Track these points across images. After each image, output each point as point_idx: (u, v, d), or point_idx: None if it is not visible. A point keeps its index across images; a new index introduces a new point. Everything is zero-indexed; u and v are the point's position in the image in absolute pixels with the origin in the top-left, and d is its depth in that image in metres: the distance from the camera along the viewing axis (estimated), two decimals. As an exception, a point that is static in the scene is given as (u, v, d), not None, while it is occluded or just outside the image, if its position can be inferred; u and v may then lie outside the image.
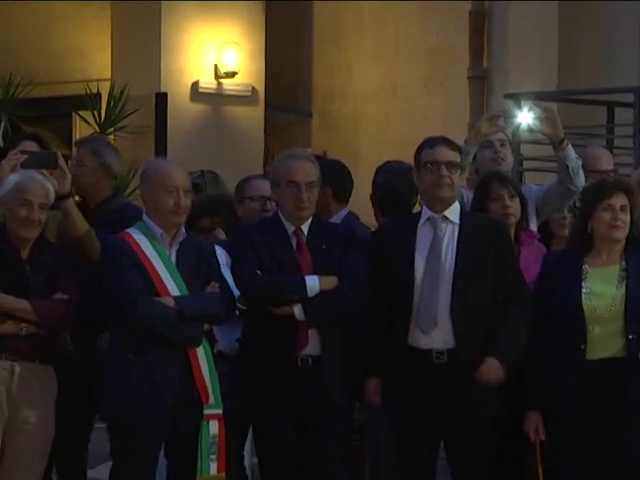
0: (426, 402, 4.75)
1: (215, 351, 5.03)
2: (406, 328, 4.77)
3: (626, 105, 9.51)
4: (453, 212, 4.87)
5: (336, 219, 5.72)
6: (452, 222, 4.88)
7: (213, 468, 4.73)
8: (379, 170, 5.83)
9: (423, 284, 4.78)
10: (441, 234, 4.83)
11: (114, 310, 4.88)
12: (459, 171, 4.95)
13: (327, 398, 4.86)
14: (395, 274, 4.90)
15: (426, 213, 4.87)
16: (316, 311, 4.88)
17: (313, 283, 4.89)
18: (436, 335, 4.77)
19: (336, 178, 5.98)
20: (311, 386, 4.83)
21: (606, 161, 6.57)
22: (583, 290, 4.68)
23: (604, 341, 4.67)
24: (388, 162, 5.93)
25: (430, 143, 4.98)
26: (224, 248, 5.26)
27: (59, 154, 5.38)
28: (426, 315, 4.78)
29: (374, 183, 5.82)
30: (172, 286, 4.80)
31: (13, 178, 5.01)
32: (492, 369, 4.69)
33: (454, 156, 4.91)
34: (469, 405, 4.75)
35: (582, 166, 5.98)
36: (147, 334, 4.70)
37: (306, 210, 5.04)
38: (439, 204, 4.83)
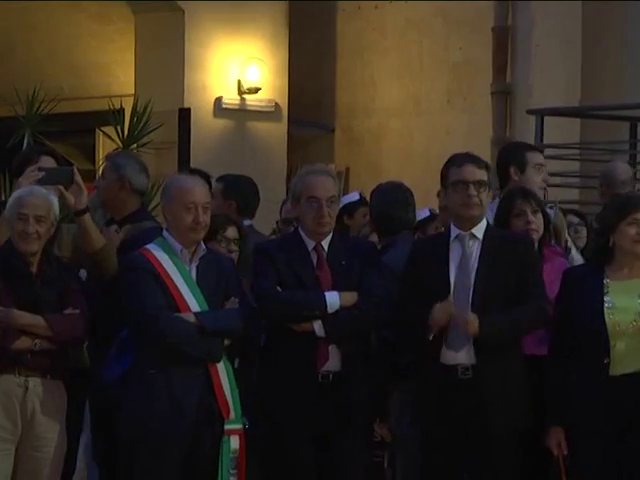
0: (455, 417, 4.80)
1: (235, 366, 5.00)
2: (439, 344, 4.82)
3: None
4: (480, 229, 4.91)
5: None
6: (478, 239, 4.94)
7: (228, 483, 4.79)
8: (372, 193, 5.88)
9: (455, 302, 4.86)
10: (469, 252, 4.90)
11: (135, 327, 4.93)
12: (487, 189, 4.94)
13: (348, 414, 4.89)
14: (432, 291, 4.92)
15: (454, 231, 4.91)
16: (336, 327, 4.90)
17: (333, 299, 4.90)
18: (462, 351, 4.86)
19: (241, 193, 6.44)
20: (332, 402, 4.86)
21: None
22: (605, 305, 4.68)
23: (628, 356, 4.68)
24: (380, 185, 6.03)
25: (458, 161, 5.01)
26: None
27: (75, 170, 5.45)
28: (456, 332, 4.87)
29: (370, 207, 5.94)
30: (192, 302, 4.83)
31: (14, 195, 5.10)
32: (468, 322, 4.78)
33: (482, 175, 4.94)
34: (496, 419, 4.80)
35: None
36: (168, 350, 4.74)
37: (326, 226, 5.04)
38: (468, 223, 4.88)
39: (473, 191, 4.84)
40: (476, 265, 4.89)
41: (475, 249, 4.92)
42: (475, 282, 4.84)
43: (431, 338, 4.91)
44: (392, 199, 5.82)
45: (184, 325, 4.74)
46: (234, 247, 5.40)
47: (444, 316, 4.78)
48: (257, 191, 6.97)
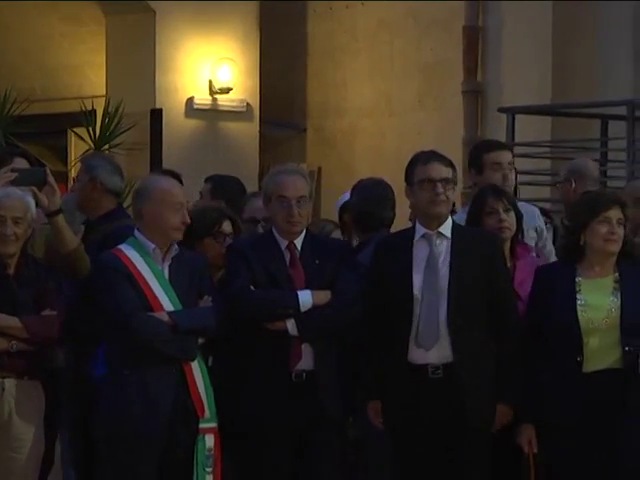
0: (425, 417, 4.81)
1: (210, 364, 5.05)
2: (406, 345, 4.82)
3: (619, 118, 9.65)
4: (447, 227, 4.92)
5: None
6: (447, 238, 4.93)
7: (203, 480, 4.94)
8: (352, 190, 5.90)
9: (422, 301, 4.83)
10: (437, 251, 4.89)
11: (108, 326, 4.94)
12: (453, 187, 4.95)
13: (322, 412, 4.89)
14: (393, 291, 4.94)
15: (420, 230, 4.91)
16: (309, 326, 4.92)
17: (306, 298, 4.92)
18: (433, 350, 4.85)
19: (229, 192, 6.48)
20: (306, 400, 4.87)
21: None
22: (578, 302, 4.72)
23: (600, 353, 4.72)
24: (361, 181, 6.02)
25: (423, 159, 5.02)
26: None
27: (48, 171, 5.44)
28: (427, 331, 4.83)
29: (350, 204, 5.91)
30: (165, 301, 4.85)
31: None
32: (504, 416, 4.80)
33: (448, 172, 4.95)
34: (467, 418, 4.81)
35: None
36: (142, 349, 4.76)
37: (297, 225, 5.06)
38: (435, 221, 4.88)
39: (440, 188, 4.85)
40: (447, 265, 4.90)
41: (444, 248, 4.92)
42: (450, 283, 4.85)
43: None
44: (372, 196, 5.77)
45: (158, 324, 4.76)
46: (230, 241, 5.41)
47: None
48: (244, 190, 7.01)
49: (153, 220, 4.91)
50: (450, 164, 5.00)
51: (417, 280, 4.82)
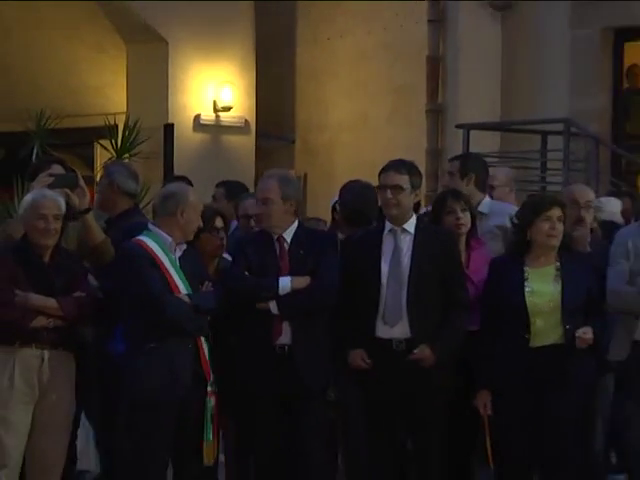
0: (390, 382, 4.86)
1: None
2: (373, 322, 4.87)
3: (557, 133, 9.65)
4: (411, 224, 4.93)
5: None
6: (410, 233, 4.94)
7: (209, 433, 4.91)
8: (344, 189, 5.85)
9: (388, 286, 4.88)
10: (401, 245, 4.92)
11: (133, 306, 4.91)
12: (406, 192, 4.98)
13: (301, 381, 4.91)
14: (364, 277, 4.97)
15: (388, 226, 4.94)
16: (288, 307, 4.96)
17: (285, 283, 4.98)
18: (396, 327, 4.90)
19: (239, 195, 6.49)
20: (288, 370, 4.91)
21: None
22: (526, 289, 4.81)
23: (545, 331, 4.81)
24: (350, 182, 5.93)
25: (384, 168, 5.08)
26: None
27: (79, 175, 5.50)
28: (392, 311, 4.89)
29: (341, 202, 5.84)
30: (181, 285, 4.90)
31: (28, 198, 5.13)
32: (423, 353, 4.81)
33: (400, 179, 4.96)
34: (430, 381, 4.86)
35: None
36: (168, 326, 4.80)
37: (262, 222, 5.17)
38: (394, 220, 4.96)
39: (389, 194, 4.93)
40: (409, 257, 4.93)
41: (407, 243, 4.95)
42: (410, 272, 4.87)
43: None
44: (363, 197, 5.78)
45: (182, 304, 4.81)
46: (222, 234, 5.44)
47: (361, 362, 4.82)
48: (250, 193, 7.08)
49: (188, 221, 4.95)
50: (408, 172, 5.01)
51: (384, 269, 4.88)
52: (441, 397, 4.93)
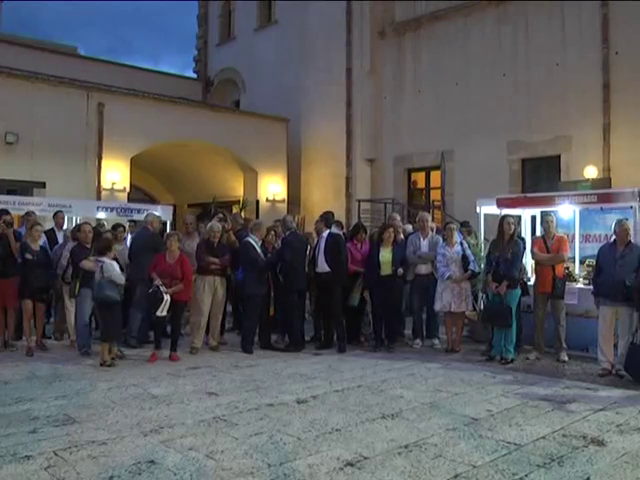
0: (319, 287, 8.96)
1: None
2: (314, 266, 8.75)
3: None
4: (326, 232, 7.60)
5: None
6: (325, 237, 8.33)
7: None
8: (321, 216, 8.84)
9: (319, 255, 8.63)
10: (322, 241, 8.62)
11: (246, 262, 8.25)
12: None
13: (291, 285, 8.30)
14: (314, 254, 8.60)
15: (325, 233, 7.97)
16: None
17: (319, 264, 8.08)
18: (322, 267, 8.72)
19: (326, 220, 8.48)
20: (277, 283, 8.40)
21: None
22: (380, 255, 8.35)
23: (386, 269, 8.47)
24: (324, 213, 9.11)
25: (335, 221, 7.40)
26: None
27: (228, 218, 9.04)
28: (320, 263, 8.84)
29: (322, 219, 8.78)
30: (261, 253, 8.21)
31: (210, 224, 8.52)
32: (334, 277, 7.96)
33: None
34: (335, 284, 8.70)
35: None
36: (259, 269, 8.36)
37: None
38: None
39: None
40: (323, 245, 8.46)
41: (324, 239, 8.42)
42: (324, 251, 8.26)
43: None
44: (327, 217, 8.98)
45: (262, 261, 8.37)
46: (275, 236, 8.54)
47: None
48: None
49: (262, 232, 7.95)
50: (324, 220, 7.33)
51: (320, 249, 8.49)
52: (339, 290, 8.44)
